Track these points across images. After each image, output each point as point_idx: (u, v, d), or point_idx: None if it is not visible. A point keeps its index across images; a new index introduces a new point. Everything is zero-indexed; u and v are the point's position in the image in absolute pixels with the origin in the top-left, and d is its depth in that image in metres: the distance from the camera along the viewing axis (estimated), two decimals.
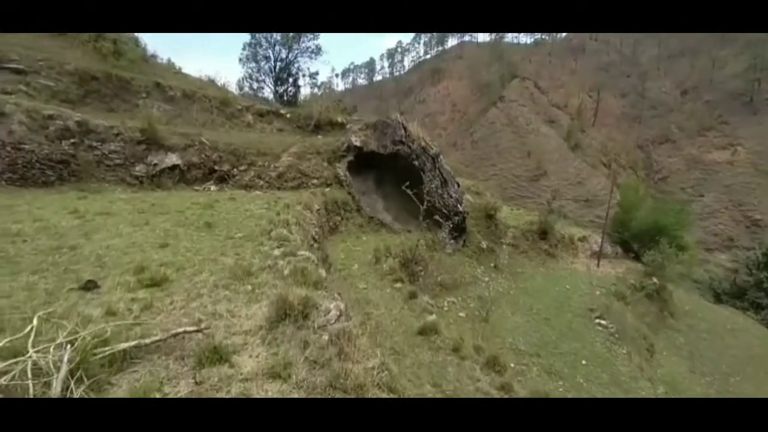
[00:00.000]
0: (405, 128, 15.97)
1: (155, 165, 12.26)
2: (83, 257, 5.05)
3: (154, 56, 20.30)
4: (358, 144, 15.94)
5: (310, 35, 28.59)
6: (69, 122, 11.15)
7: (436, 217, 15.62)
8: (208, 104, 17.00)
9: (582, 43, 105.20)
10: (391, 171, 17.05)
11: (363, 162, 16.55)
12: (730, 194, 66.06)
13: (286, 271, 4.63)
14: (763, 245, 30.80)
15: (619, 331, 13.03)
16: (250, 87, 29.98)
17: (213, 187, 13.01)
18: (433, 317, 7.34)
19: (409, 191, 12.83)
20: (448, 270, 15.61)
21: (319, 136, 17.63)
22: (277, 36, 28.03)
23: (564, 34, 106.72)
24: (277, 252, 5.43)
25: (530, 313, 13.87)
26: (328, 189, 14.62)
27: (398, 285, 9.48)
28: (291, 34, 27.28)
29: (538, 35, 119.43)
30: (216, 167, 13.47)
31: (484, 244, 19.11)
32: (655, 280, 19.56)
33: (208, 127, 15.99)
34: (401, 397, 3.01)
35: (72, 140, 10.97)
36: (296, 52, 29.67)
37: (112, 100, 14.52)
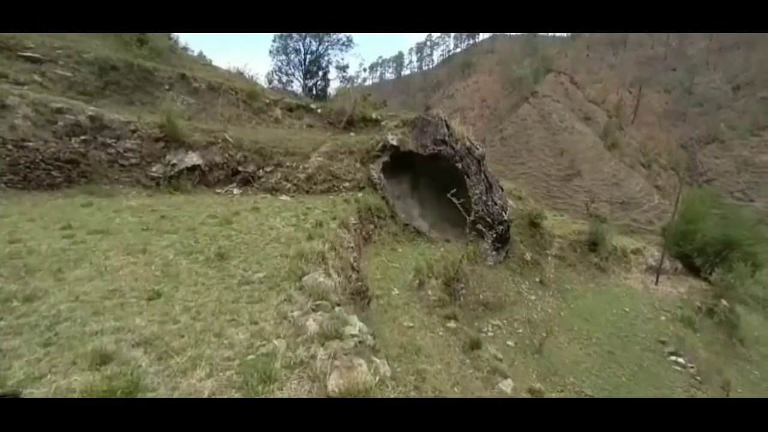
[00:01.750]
0: (448, 126, 14.29)
1: (174, 165, 11.07)
2: (34, 320, 3.55)
3: (185, 48, 19.37)
4: (394, 143, 14.35)
5: None
6: (80, 117, 10.05)
7: (479, 226, 13.92)
8: (235, 97, 15.78)
9: (623, 36, 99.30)
10: (429, 173, 15.41)
11: (398, 163, 14.97)
12: None
13: (331, 383, 2.83)
14: None
15: (701, 373, 11.04)
16: (279, 80, 28.90)
17: (236, 190, 11.75)
18: (508, 384, 5.69)
19: (455, 200, 11.18)
20: (490, 286, 13.96)
21: (352, 134, 16.16)
22: None
23: None
24: (312, 323, 3.79)
25: (590, 344, 12.04)
26: (360, 193, 13.14)
27: (452, 324, 7.84)
28: None
29: None
30: (240, 168, 12.20)
31: (528, 256, 17.31)
32: (724, 302, 17.23)
33: (234, 122, 14.77)
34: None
35: (83, 137, 9.88)
36: (327, 44, 28.39)
37: (133, 93, 13.47)
